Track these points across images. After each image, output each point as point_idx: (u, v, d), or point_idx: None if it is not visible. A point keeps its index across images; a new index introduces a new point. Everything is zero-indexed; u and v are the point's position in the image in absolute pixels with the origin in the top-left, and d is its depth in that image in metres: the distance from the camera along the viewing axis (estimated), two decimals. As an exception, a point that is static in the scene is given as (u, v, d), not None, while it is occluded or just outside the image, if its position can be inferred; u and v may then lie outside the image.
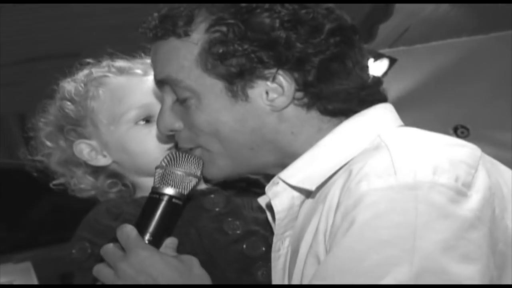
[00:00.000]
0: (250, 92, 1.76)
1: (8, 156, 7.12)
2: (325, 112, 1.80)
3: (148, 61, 2.14)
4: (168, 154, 1.89)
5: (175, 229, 1.96)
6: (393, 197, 1.53)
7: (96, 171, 2.21)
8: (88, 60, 2.26)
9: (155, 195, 1.86)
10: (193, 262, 1.82)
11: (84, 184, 2.22)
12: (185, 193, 1.87)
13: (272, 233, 1.95)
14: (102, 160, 2.18)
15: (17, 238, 5.11)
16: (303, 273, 1.70)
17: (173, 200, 1.85)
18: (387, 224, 1.51)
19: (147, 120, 2.14)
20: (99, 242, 1.98)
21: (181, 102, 1.83)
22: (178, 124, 1.87)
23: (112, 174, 2.22)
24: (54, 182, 2.25)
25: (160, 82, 1.86)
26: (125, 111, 2.14)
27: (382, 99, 1.87)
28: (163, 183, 1.85)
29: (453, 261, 1.47)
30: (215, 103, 1.78)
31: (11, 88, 6.70)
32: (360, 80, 1.81)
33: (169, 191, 1.85)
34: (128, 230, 1.81)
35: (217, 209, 2.04)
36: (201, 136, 1.82)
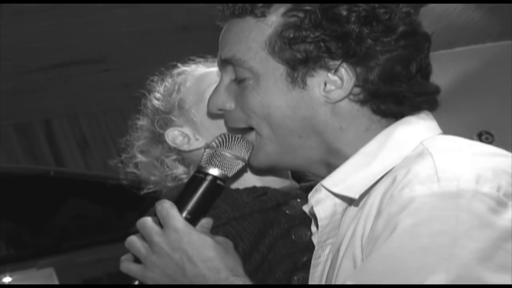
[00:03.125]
0: (309, 80, 1.76)
1: (33, 162, 7.17)
2: (377, 111, 1.78)
3: None
4: (220, 135, 1.90)
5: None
6: (435, 205, 1.53)
7: (186, 159, 2.25)
8: (154, 78, 2.29)
9: (200, 174, 1.85)
10: (229, 244, 1.82)
11: (176, 170, 2.25)
12: (230, 175, 1.87)
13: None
14: (195, 144, 2.21)
15: (40, 244, 5.13)
16: (337, 276, 1.71)
17: (217, 181, 1.85)
18: (428, 231, 1.50)
19: None
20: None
21: (239, 82, 1.84)
22: (230, 104, 1.87)
23: None
24: (145, 191, 2.29)
25: (224, 61, 1.87)
26: (210, 84, 2.15)
27: (433, 108, 1.86)
28: (210, 163, 1.85)
29: (490, 271, 1.46)
30: (272, 87, 1.79)
31: (36, 94, 6.75)
32: (419, 86, 1.80)
33: (215, 171, 1.84)
34: (168, 206, 1.80)
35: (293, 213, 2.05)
36: (252, 118, 1.82)
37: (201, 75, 2.23)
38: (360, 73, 1.75)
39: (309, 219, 1.91)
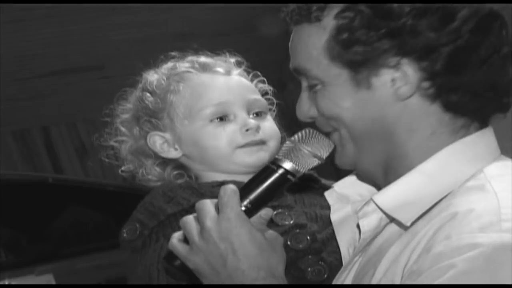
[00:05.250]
0: (375, 80, 1.73)
1: (31, 168, 7.17)
2: (448, 106, 1.73)
3: (232, 60, 2.22)
4: (304, 130, 1.87)
5: None
6: (491, 256, 1.51)
7: (164, 162, 2.25)
8: (174, 53, 2.28)
9: (273, 166, 1.83)
10: (278, 242, 1.79)
11: (151, 175, 2.26)
12: (302, 171, 1.84)
13: (324, 227, 1.99)
14: (173, 153, 2.21)
15: (39, 250, 5.12)
16: None
17: (288, 175, 1.83)
18: (477, 281, 1.49)
19: (222, 118, 2.17)
20: (149, 223, 2.03)
21: (311, 88, 1.83)
22: (313, 111, 1.85)
23: (179, 165, 2.25)
24: (123, 168, 2.29)
25: (294, 71, 1.86)
26: (202, 108, 2.16)
27: (504, 108, 1.80)
28: (286, 156, 1.83)
29: None
30: (338, 90, 1.76)
31: (35, 101, 6.76)
32: (493, 72, 1.73)
33: (288, 165, 1.82)
34: (230, 193, 1.77)
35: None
36: (330, 120, 1.81)
37: (200, 86, 2.20)
38: (425, 67, 1.69)
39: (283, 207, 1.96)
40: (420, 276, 1.55)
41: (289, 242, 1.95)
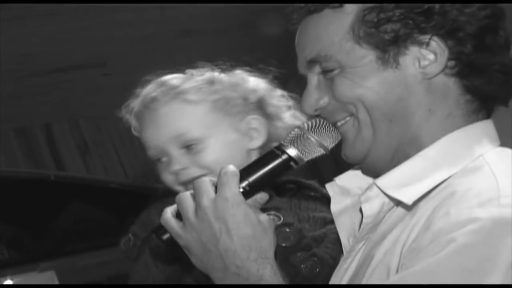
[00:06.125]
0: (402, 59, 1.76)
1: (33, 166, 7.17)
2: (468, 87, 1.78)
3: (175, 81, 2.22)
4: (315, 119, 1.88)
5: None
6: (490, 230, 1.53)
7: None
8: (149, 78, 2.28)
9: (277, 151, 1.85)
10: (270, 226, 1.81)
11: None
12: (305, 159, 1.86)
13: (316, 226, 2.03)
14: None
15: (41, 247, 5.13)
16: (369, 279, 1.71)
17: (290, 162, 1.84)
18: (476, 255, 1.51)
19: (159, 159, 2.21)
20: (141, 234, 2.11)
21: (326, 73, 1.83)
22: (323, 100, 1.85)
23: None
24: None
25: (310, 62, 1.86)
26: (146, 148, 2.23)
27: (508, 96, 1.86)
28: (292, 142, 1.85)
29: None
30: (361, 71, 1.78)
31: (36, 98, 6.75)
32: (508, 58, 1.81)
33: (292, 152, 1.83)
34: (230, 173, 1.78)
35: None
36: (348, 104, 1.81)
37: (139, 125, 2.24)
38: (452, 46, 1.74)
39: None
40: (420, 252, 1.57)
41: (277, 240, 1.98)
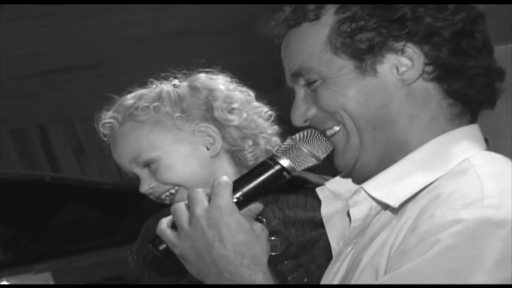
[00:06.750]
0: (380, 67, 1.79)
1: (29, 167, 7.17)
2: (448, 91, 1.80)
3: (130, 101, 2.25)
4: (306, 130, 1.91)
5: None
6: (474, 230, 1.54)
7: None
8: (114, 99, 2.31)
9: (270, 162, 1.87)
10: (263, 234, 1.83)
11: None
12: (298, 169, 1.88)
13: (304, 231, 2.05)
14: None
15: (37, 249, 5.13)
16: (357, 281, 1.72)
17: (283, 172, 1.86)
18: (461, 255, 1.53)
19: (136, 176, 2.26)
20: (141, 249, 2.16)
21: (310, 85, 1.86)
22: (311, 111, 1.88)
23: None
24: None
25: (294, 75, 1.89)
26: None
27: (493, 99, 1.88)
28: (284, 153, 1.86)
29: None
30: (341, 80, 1.80)
31: (31, 100, 6.76)
32: (487, 61, 1.83)
33: (285, 162, 1.85)
34: (223, 183, 1.81)
35: None
36: (334, 113, 1.84)
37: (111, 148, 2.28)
38: (428, 51, 1.76)
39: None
40: (407, 254, 1.58)
41: None
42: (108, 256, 4.88)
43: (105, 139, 2.26)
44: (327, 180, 2.04)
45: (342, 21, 1.79)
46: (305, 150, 1.86)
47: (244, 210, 1.83)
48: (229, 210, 1.78)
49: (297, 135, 1.89)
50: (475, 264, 1.51)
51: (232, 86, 2.29)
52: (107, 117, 2.24)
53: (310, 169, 1.91)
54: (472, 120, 1.86)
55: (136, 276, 2.24)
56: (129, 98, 2.25)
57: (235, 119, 2.23)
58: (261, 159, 2.19)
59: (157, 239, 1.84)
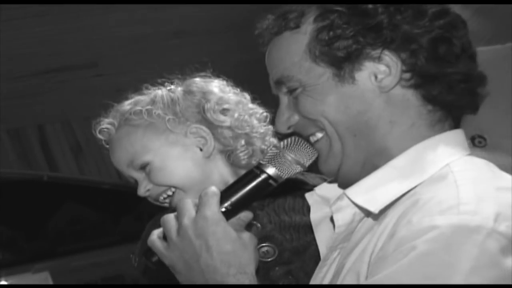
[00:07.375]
0: (358, 74, 1.80)
1: (27, 167, 7.17)
2: (427, 97, 1.81)
3: (127, 106, 2.27)
4: (291, 138, 1.93)
5: None
6: (450, 237, 1.55)
7: None
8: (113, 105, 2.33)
9: (257, 170, 1.89)
10: (251, 242, 1.85)
11: None
12: (284, 177, 1.89)
13: (297, 236, 2.06)
14: None
15: (35, 248, 5.13)
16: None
17: (270, 180, 1.87)
18: (437, 262, 1.54)
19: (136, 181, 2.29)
20: (136, 250, 2.21)
21: (291, 92, 1.88)
22: (294, 118, 1.90)
23: None
24: None
25: (277, 83, 1.91)
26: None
27: (475, 104, 1.89)
28: (270, 161, 1.88)
29: None
30: (321, 88, 1.82)
31: (29, 100, 6.76)
32: (467, 67, 1.84)
33: (271, 171, 1.87)
34: (210, 193, 1.84)
35: None
36: (315, 120, 1.86)
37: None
38: (405, 58, 1.78)
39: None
40: (385, 260, 1.59)
41: (258, 255, 2.01)
42: (106, 255, 4.89)
43: (107, 146, 2.29)
44: (327, 180, 2.05)
45: (321, 29, 1.81)
46: (289, 157, 1.88)
47: (234, 219, 1.85)
48: (215, 220, 1.80)
49: (281, 143, 1.92)
50: (450, 270, 1.52)
51: (227, 88, 2.31)
52: (105, 123, 2.27)
53: (310, 169, 1.93)
54: (455, 125, 1.87)
55: (136, 276, 2.26)
56: (126, 104, 2.28)
57: (226, 119, 2.25)
58: (255, 158, 2.22)
59: (150, 250, 1.87)
